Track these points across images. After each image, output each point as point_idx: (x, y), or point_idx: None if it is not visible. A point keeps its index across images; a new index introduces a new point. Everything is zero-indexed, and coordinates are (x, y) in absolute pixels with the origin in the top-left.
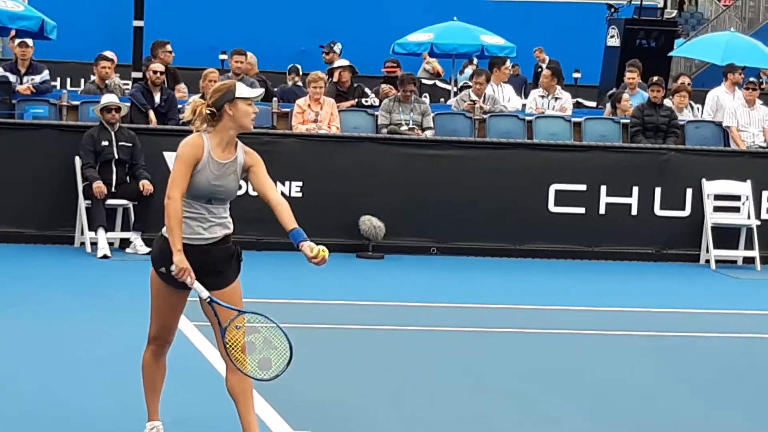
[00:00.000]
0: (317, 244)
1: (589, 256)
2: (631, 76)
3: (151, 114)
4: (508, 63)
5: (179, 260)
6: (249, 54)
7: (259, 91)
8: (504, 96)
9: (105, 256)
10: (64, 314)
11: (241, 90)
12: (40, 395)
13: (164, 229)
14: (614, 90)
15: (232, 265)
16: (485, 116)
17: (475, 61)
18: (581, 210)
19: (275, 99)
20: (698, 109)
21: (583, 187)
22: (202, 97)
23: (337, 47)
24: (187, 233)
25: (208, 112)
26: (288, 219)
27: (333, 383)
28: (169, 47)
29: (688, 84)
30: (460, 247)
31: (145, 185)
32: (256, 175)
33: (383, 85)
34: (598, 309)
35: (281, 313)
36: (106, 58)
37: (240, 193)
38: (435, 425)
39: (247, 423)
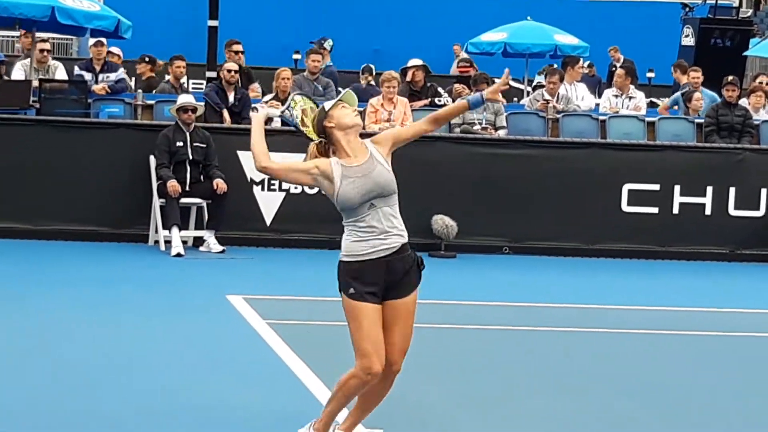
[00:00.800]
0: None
1: (662, 256)
2: (695, 75)
3: (225, 113)
4: (582, 62)
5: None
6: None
7: (342, 93)
8: (577, 95)
9: (179, 255)
10: (139, 312)
11: (329, 103)
12: (121, 392)
13: (341, 255)
14: (686, 89)
15: (413, 274)
16: (558, 116)
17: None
18: (654, 210)
19: None
20: None
21: (656, 187)
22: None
23: (328, 44)
24: (366, 249)
25: (317, 142)
26: (456, 105)
27: (406, 382)
28: (236, 47)
29: (766, 84)
30: (532, 246)
31: (219, 184)
32: (406, 137)
33: (456, 85)
34: (671, 309)
35: None
36: (181, 58)
37: (312, 192)
38: (508, 425)
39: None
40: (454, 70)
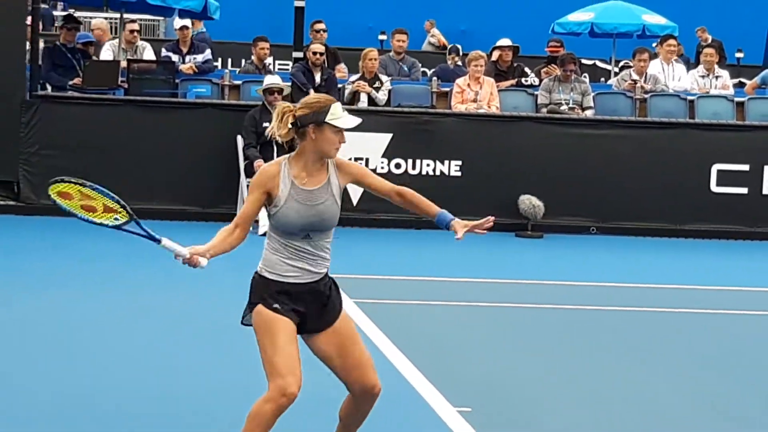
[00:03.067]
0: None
1: (752, 236)
2: None
3: (312, 94)
4: (674, 41)
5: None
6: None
7: (356, 122)
8: (674, 75)
9: (266, 234)
10: (230, 291)
11: (335, 114)
12: (217, 370)
13: (262, 267)
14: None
15: (334, 297)
16: (646, 96)
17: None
18: (744, 190)
19: (435, 79)
20: None
21: (746, 167)
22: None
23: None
24: (291, 272)
25: (291, 122)
26: (428, 204)
27: (493, 362)
28: (317, 26)
29: None
30: (619, 226)
31: None
32: (368, 183)
33: (550, 66)
34: (762, 289)
35: (443, 291)
36: (265, 39)
37: (399, 171)
38: (599, 405)
39: None
40: (425, 47)
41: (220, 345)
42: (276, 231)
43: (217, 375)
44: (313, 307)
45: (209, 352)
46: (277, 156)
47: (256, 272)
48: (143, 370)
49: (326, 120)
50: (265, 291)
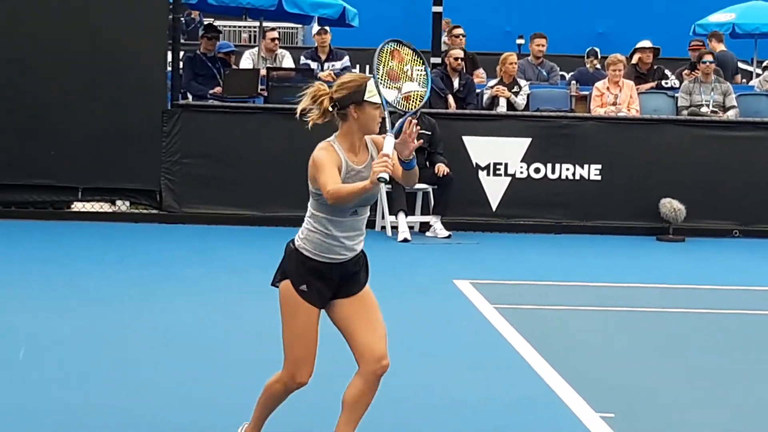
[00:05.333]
0: (616, 227)
1: None
2: None
3: (450, 99)
4: None
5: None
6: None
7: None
8: None
9: (405, 240)
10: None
11: (372, 91)
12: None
13: (301, 242)
14: None
15: (362, 272)
16: None
17: None
18: None
19: (574, 82)
20: None
21: None
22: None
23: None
24: (332, 255)
25: (329, 106)
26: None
27: (635, 367)
28: (456, 31)
29: None
30: (763, 229)
31: (440, 167)
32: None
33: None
34: None
35: (583, 296)
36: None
37: (537, 176)
38: (741, 412)
39: None
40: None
41: None
42: (324, 209)
43: None
44: (339, 282)
45: None
46: (417, 161)
47: (294, 245)
48: None
49: (365, 98)
50: (299, 267)
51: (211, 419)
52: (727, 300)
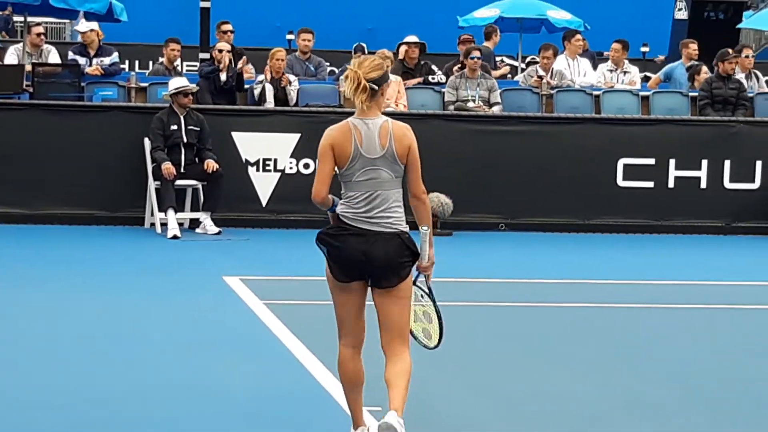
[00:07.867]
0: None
1: (658, 230)
2: (695, 47)
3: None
4: (580, 36)
5: None
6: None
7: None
8: (580, 70)
9: (175, 237)
10: (137, 294)
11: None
12: (120, 371)
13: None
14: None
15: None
16: (552, 91)
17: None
18: (650, 184)
19: (342, 78)
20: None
21: (651, 161)
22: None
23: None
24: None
25: (370, 88)
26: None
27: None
28: (225, 27)
29: (752, 56)
30: (528, 222)
31: (209, 163)
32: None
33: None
34: (667, 283)
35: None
36: (176, 41)
37: (307, 172)
38: (511, 403)
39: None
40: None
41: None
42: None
43: None
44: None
45: None
46: (185, 158)
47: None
48: None
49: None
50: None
51: None
52: (493, 293)
